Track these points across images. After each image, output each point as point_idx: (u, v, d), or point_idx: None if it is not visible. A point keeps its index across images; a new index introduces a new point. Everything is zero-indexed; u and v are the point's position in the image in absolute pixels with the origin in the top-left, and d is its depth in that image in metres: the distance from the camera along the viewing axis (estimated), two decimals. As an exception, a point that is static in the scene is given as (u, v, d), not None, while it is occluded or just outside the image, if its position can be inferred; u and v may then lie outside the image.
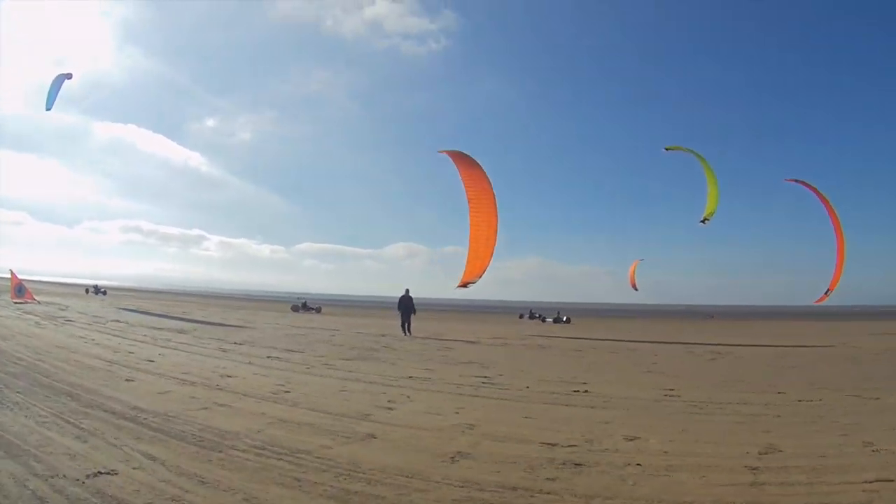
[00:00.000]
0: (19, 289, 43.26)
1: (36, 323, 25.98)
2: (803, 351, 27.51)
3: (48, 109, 35.50)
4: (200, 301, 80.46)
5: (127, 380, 13.08)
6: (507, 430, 9.46)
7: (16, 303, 41.06)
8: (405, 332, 30.79)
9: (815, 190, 37.35)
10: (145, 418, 9.50)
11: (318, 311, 59.16)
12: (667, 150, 35.39)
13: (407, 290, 32.37)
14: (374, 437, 8.89)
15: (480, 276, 30.73)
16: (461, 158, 29.94)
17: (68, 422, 8.95)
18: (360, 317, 54.79)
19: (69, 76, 36.13)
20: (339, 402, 11.55)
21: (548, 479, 7.08)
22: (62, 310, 37.01)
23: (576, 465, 7.66)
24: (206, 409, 10.55)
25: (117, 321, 30.15)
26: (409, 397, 12.40)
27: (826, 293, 38.09)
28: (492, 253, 30.58)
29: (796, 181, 37.07)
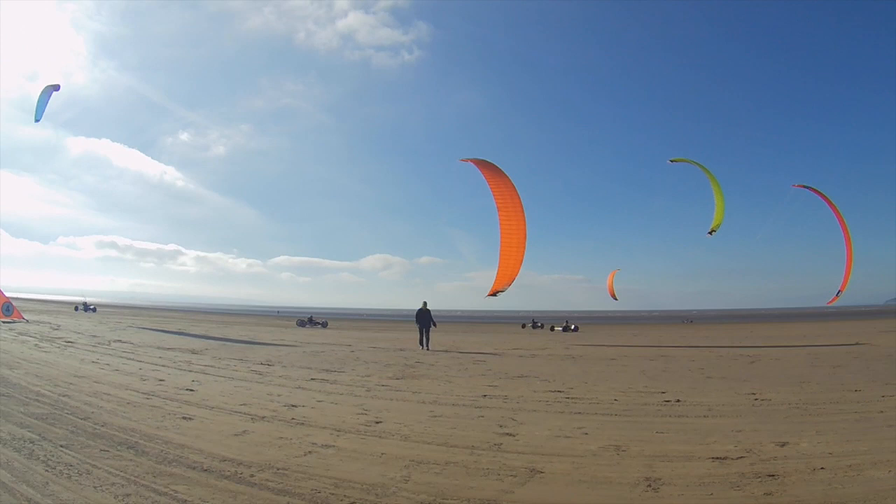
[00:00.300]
0: (7, 307, 40.22)
1: (36, 346, 23.22)
2: (830, 350, 27.09)
3: (37, 121, 34.28)
4: (188, 317, 77.30)
5: (183, 418, 10.68)
6: (662, 448, 8.71)
7: (4, 322, 38.09)
8: (423, 346, 28.99)
9: (822, 195, 36.91)
10: (252, 475, 7.26)
11: (325, 325, 56.55)
12: (672, 162, 35.27)
13: (424, 304, 30.52)
14: (539, 471, 7.60)
15: (510, 284, 29.10)
16: (486, 166, 28.90)
17: (159, 491, 6.56)
18: (364, 330, 52.34)
19: (57, 88, 34.79)
20: (448, 431, 10.02)
21: (765, 493, 6.62)
22: (55, 329, 34.12)
23: (769, 476, 7.24)
24: (310, 453, 8.44)
25: (120, 341, 27.44)
26: (514, 419, 11.03)
27: (837, 294, 37.70)
28: (522, 260, 29.02)
29: (805, 187, 36.87)
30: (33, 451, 7.99)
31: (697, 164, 34.75)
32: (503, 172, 28.94)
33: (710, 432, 9.72)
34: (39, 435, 8.85)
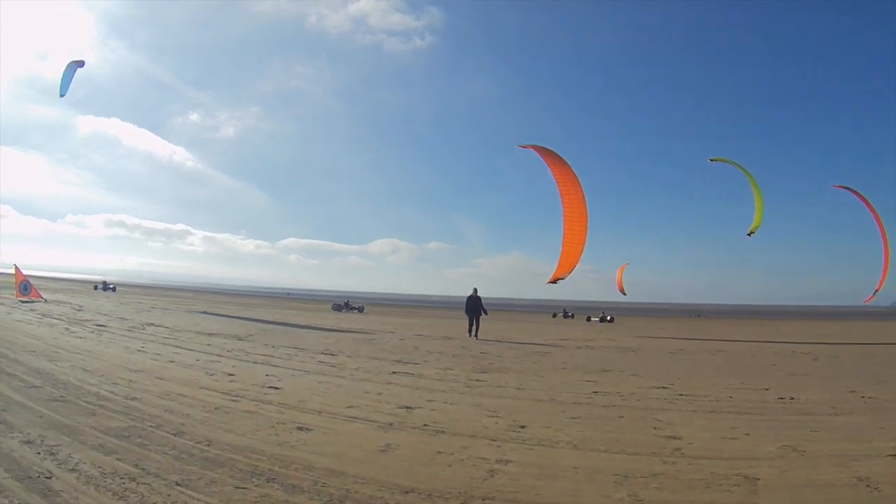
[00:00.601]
0: (25, 286, 37.99)
1: (67, 330, 20.86)
2: (883, 349, 26.22)
3: (62, 96, 33.15)
4: (203, 297, 75.37)
5: (298, 428, 8.46)
6: (841, 448, 8.04)
7: (22, 301, 35.86)
8: (472, 335, 27.38)
9: (861, 196, 37.32)
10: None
11: (361, 310, 54.47)
12: (711, 161, 34.21)
13: (475, 290, 28.92)
14: (756, 478, 6.67)
15: (571, 272, 27.69)
16: (548, 154, 27.85)
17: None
18: (398, 316, 50.35)
19: (81, 64, 33.56)
20: (609, 436, 8.60)
21: None
22: (79, 310, 31.82)
23: None
24: (493, 472, 6.67)
25: (153, 325, 25.21)
26: (660, 420, 9.83)
27: (874, 293, 38.14)
28: (583, 247, 27.65)
29: (845, 188, 37.24)
30: (144, 496, 5.64)
31: (737, 164, 34.42)
32: (564, 159, 27.67)
33: (860, 431, 9.10)
34: (136, 465, 6.47)
